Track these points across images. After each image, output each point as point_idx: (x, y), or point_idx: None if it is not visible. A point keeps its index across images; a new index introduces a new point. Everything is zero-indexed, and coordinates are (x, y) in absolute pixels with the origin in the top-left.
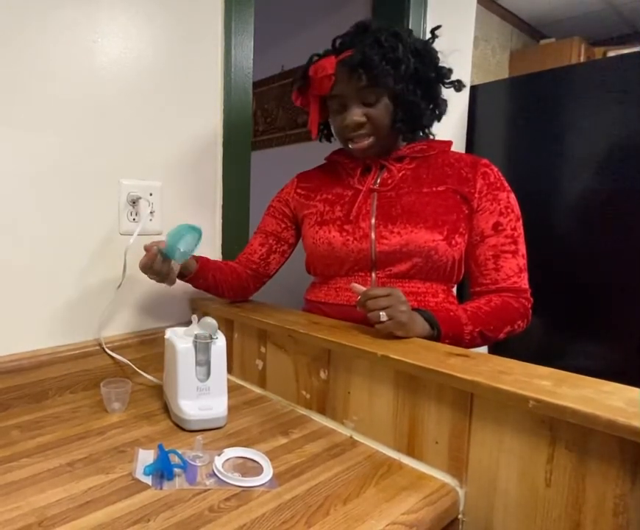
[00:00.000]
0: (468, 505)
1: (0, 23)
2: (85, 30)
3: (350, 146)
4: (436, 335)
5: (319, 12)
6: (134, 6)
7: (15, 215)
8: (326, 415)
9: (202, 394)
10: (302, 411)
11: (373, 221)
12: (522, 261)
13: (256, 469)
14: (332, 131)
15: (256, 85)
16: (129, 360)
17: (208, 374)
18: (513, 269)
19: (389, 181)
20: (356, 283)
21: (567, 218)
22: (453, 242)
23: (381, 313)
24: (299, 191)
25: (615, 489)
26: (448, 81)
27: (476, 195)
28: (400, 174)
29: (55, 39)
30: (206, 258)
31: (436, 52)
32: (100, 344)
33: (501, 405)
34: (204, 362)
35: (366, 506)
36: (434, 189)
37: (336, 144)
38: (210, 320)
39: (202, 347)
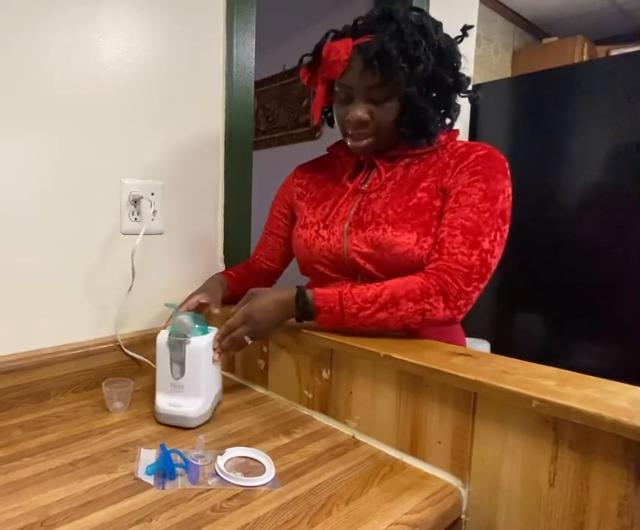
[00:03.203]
0: (471, 505)
1: (1, 22)
2: (87, 30)
3: (349, 142)
4: (303, 306)
5: (320, 12)
6: (135, 6)
7: (15, 214)
8: (328, 415)
9: (176, 391)
10: (304, 410)
11: (346, 226)
12: (472, 238)
13: (258, 468)
14: (335, 120)
15: (257, 84)
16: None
17: (183, 372)
18: (454, 245)
19: (377, 181)
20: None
21: (569, 217)
22: (425, 245)
23: (245, 338)
24: (295, 188)
25: (619, 489)
26: (464, 91)
27: (451, 180)
28: (387, 175)
29: (56, 39)
30: (233, 280)
31: (459, 56)
32: (116, 342)
33: (504, 405)
34: (177, 360)
35: (369, 506)
36: (411, 189)
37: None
38: (184, 319)
39: (175, 345)
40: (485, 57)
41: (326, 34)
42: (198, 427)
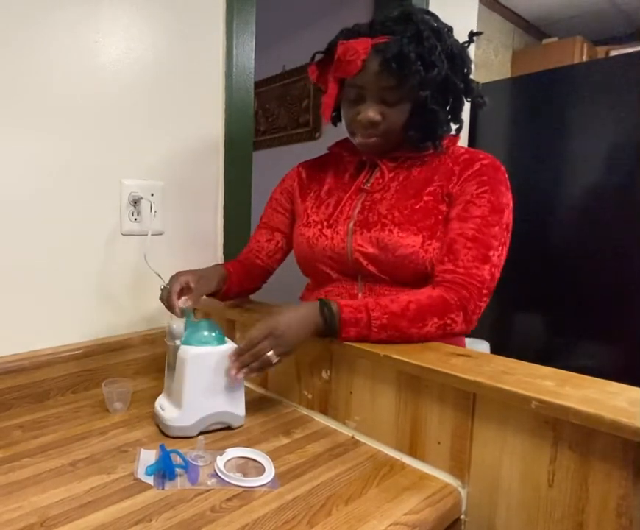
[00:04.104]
0: (470, 505)
1: (1, 23)
2: (87, 30)
3: (356, 140)
4: (329, 319)
5: (320, 12)
6: (135, 6)
7: (15, 214)
8: (328, 415)
9: (168, 395)
10: (304, 411)
11: (350, 225)
12: (483, 251)
13: (258, 469)
14: (342, 119)
15: (257, 84)
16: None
17: (173, 377)
18: (467, 257)
19: (380, 180)
20: (343, 289)
21: (568, 217)
22: (430, 248)
23: (269, 354)
24: (298, 183)
25: (618, 489)
26: (474, 96)
27: (457, 187)
28: (390, 175)
29: (56, 39)
30: (231, 275)
31: (470, 62)
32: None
33: (503, 405)
34: (171, 364)
35: (368, 507)
36: (417, 191)
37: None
38: (174, 326)
39: (170, 348)
40: (485, 58)
41: (340, 32)
42: (175, 437)
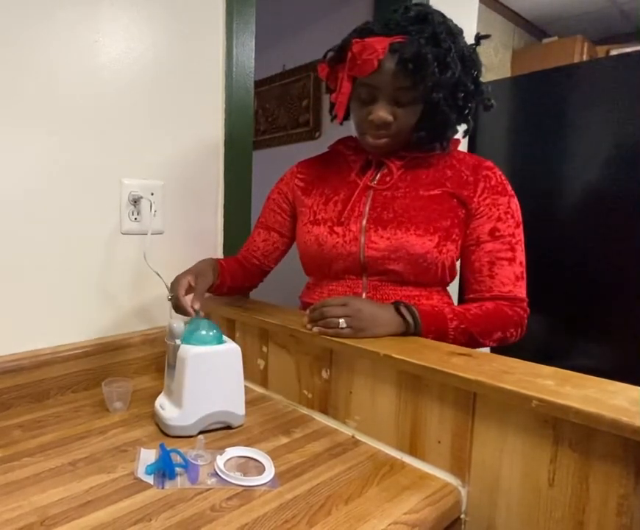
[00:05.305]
0: (470, 504)
1: (1, 23)
2: (86, 30)
3: (366, 139)
4: (414, 327)
5: (320, 12)
6: (135, 6)
7: (15, 214)
8: (328, 415)
9: (168, 394)
10: (304, 410)
11: (364, 223)
12: (519, 269)
13: (258, 468)
14: (351, 118)
15: (257, 84)
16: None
17: (173, 377)
18: (509, 276)
19: (387, 178)
20: (347, 287)
21: (569, 217)
22: (444, 249)
23: (340, 320)
24: (297, 183)
25: (618, 488)
26: (483, 98)
27: (475, 199)
28: (399, 173)
29: (56, 39)
30: (223, 270)
31: (481, 64)
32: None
33: (504, 404)
34: (171, 364)
35: (368, 506)
36: (430, 192)
37: (338, 132)
38: (175, 324)
39: (169, 348)
40: (485, 57)
41: (354, 30)
42: (175, 436)
